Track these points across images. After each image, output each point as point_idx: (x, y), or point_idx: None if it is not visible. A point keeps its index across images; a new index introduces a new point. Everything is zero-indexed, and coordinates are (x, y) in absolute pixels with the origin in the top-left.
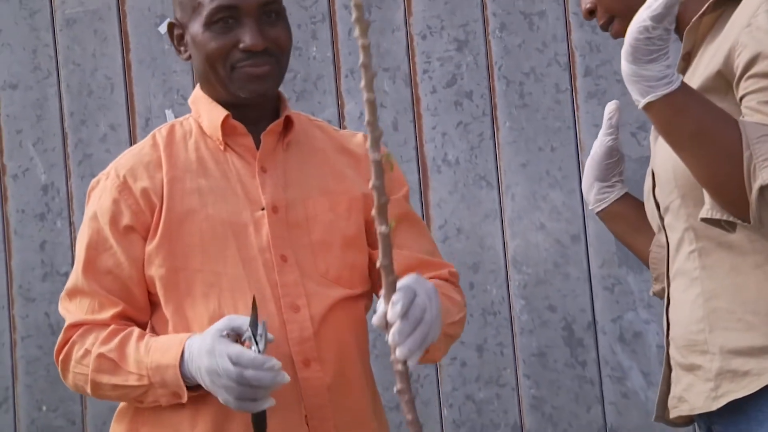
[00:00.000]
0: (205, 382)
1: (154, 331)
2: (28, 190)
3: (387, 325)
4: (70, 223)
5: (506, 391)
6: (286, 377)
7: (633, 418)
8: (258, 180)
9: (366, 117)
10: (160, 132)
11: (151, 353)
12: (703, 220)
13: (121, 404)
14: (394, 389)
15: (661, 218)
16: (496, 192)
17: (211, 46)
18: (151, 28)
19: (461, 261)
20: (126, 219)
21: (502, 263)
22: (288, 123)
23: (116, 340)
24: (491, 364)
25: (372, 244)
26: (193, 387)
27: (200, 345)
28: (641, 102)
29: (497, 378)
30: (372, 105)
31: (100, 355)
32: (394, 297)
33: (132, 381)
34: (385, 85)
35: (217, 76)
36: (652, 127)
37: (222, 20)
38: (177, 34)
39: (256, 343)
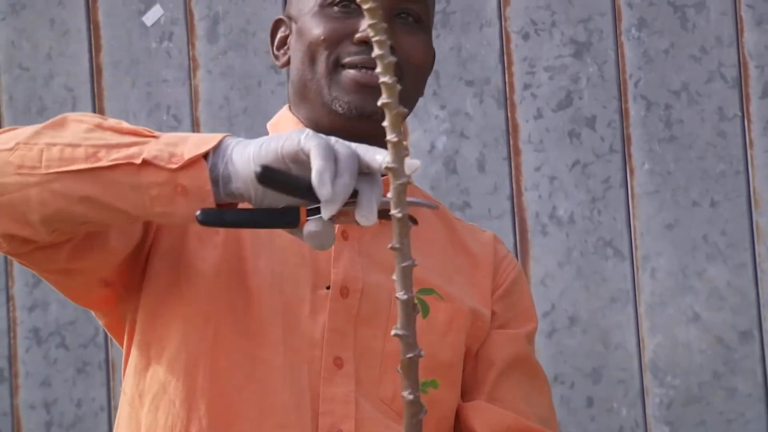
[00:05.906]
0: (251, 154)
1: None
2: None
3: None
4: (8, 298)
5: None
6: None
7: None
8: (333, 247)
9: (394, 235)
10: None
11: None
12: None
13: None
14: None
15: None
16: (629, 264)
17: (318, 30)
18: (131, 17)
19: (575, 365)
20: None
21: (637, 370)
22: None
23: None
24: None
25: (466, 385)
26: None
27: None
28: None
29: None
30: (402, 190)
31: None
32: None
33: (122, 138)
34: (468, 106)
35: (314, 73)
36: None
37: (342, 3)
38: (281, 36)
39: None
